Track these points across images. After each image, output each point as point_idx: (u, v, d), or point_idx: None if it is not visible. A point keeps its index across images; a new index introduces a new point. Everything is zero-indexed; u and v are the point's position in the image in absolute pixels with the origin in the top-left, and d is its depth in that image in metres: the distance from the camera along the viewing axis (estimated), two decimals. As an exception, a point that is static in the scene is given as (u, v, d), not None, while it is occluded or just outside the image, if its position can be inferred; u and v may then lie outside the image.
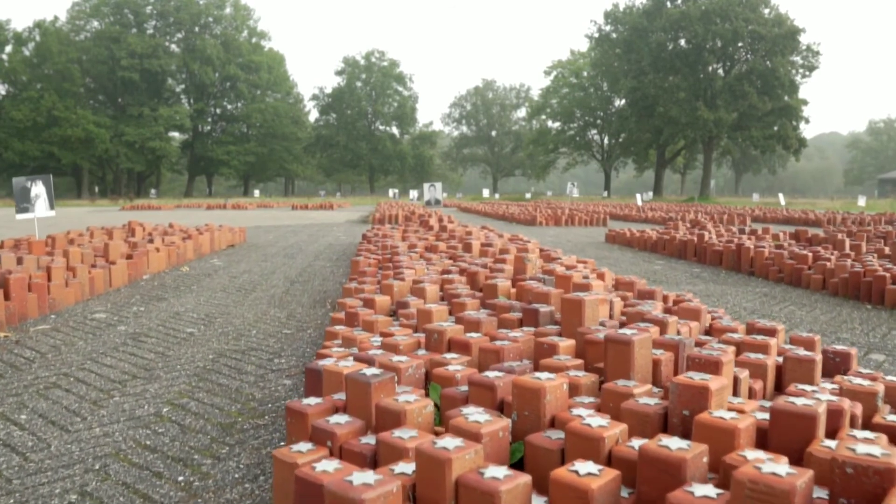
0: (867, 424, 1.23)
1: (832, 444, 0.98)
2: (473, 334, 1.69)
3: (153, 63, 43.44)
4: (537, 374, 1.22)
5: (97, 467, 1.43)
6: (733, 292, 4.18)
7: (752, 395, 1.43)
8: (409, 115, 52.35)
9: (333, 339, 2.09)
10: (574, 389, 1.33)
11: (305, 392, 1.58)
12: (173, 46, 46.39)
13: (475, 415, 1.10)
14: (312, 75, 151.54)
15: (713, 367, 1.32)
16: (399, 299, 2.45)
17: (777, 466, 0.80)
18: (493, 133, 58.81)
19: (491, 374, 1.33)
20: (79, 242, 4.56)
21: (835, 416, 1.12)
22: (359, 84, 51.57)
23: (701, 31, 35.55)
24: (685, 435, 1.10)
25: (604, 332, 1.65)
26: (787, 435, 1.03)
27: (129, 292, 3.92)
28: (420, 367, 1.46)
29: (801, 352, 1.55)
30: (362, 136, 50.11)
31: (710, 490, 0.83)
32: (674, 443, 0.93)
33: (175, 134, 47.29)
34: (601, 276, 2.96)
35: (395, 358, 1.46)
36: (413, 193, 18.48)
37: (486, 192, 31.65)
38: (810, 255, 4.52)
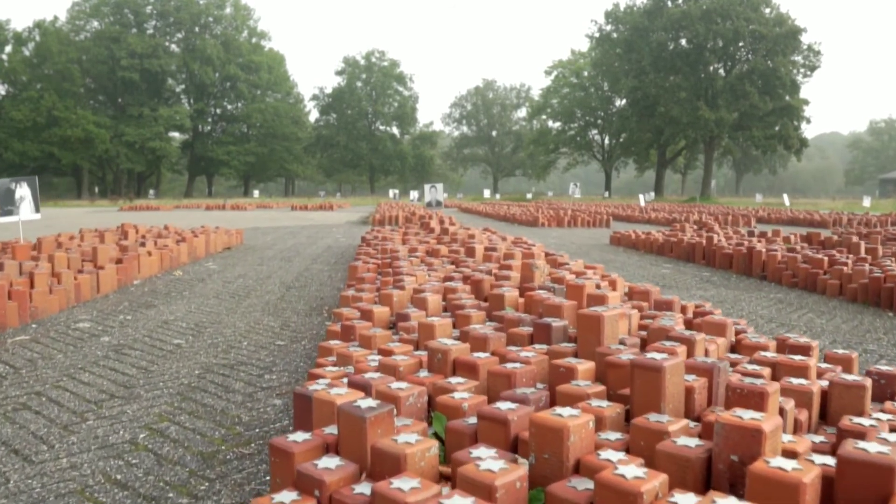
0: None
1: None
2: (480, 354, 1.53)
3: (153, 63, 43.31)
4: (558, 411, 1.05)
5: (58, 508, 1.27)
6: (747, 298, 4.02)
7: (796, 427, 1.27)
8: (409, 115, 52.18)
9: (327, 356, 1.93)
10: (597, 423, 1.17)
11: (294, 419, 1.42)
12: (173, 46, 46.26)
13: (488, 460, 0.94)
14: (313, 75, 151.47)
15: (757, 399, 1.16)
16: (399, 310, 2.29)
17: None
18: (494, 133, 58.65)
19: (503, 405, 1.17)
20: (67, 246, 4.40)
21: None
22: (359, 84, 51.42)
23: (702, 30, 35.39)
24: (734, 484, 0.94)
25: (626, 353, 1.49)
26: (858, 490, 0.87)
27: (118, 299, 3.76)
28: (422, 395, 1.30)
29: (848, 376, 1.39)
30: (362, 136, 49.96)
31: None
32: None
33: (175, 134, 47.17)
34: (613, 284, 2.80)
35: (395, 385, 1.30)
36: (413, 194, 18.31)
37: (486, 193, 31.49)
38: (826, 259, 4.36)
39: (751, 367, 1.51)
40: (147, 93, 44.54)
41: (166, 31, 46.25)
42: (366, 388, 1.35)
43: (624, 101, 41.98)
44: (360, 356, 1.78)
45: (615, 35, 40.27)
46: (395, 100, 52.04)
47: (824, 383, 1.43)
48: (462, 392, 1.33)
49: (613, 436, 1.13)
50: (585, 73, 46.18)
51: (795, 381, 1.37)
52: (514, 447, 1.12)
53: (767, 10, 36.14)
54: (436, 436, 1.28)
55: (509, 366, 1.41)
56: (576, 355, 1.62)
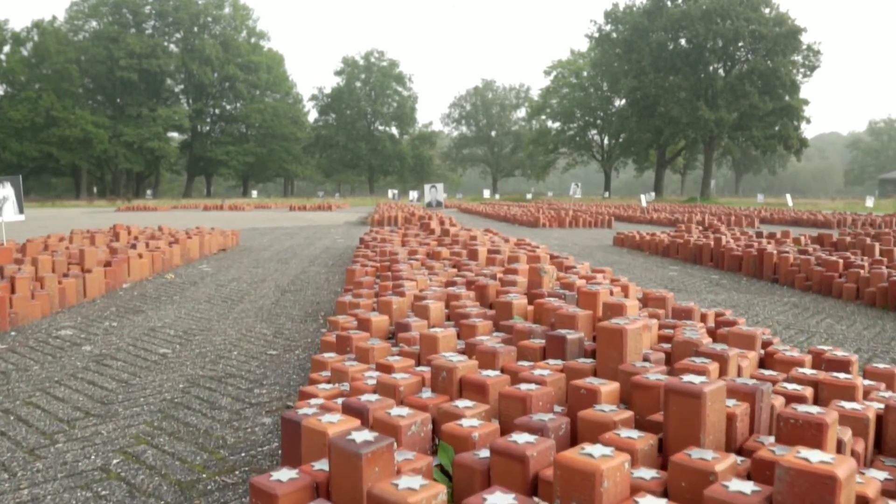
0: None
1: None
2: (490, 373, 1.37)
3: (152, 63, 43.14)
4: (588, 450, 0.90)
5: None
6: (760, 302, 3.87)
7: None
8: (408, 115, 52.02)
9: (321, 370, 1.77)
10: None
11: (282, 447, 1.26)
12: (172, 46, 46.09)
13: (506, 512, 0.79)
14: (312, 75, 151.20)
15: (815, 431, 1.00)
16: (398, 319, 2.13)
17: None
18: (493, 133, 58.51)
19: (520, 438, 1.01)
20: (54, 249, 4.24)
21: None
22: (358, 84, 51.26)
23: (702, 30, 35.30)
24: (801, 541, 0.78)
25: (654, 372, 1.34)
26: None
27: (105, 304, 3.60)
28: (426, 423, 1.14)
29: (905, 398, 1.23)
30: (362, 136, 49.80)
31: None
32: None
33: (174, 134, 46.98)
34: (625, 290, 2.64)
35: (395, 411, 1.15)
36: (413, 194, 18.16)
37: (486, 193, 31.35)
38: (840, 261, 4.21)
39: (791, 387, 1.36)
40: (146, 93, 44.37)
41: (165, 31, 46.08)
42: (362, 414, 1.20)
43: (623, 101, 41.86)
44: (357, 372, 1.62)
45: (615, 35, 40.16)
46: (394, 100, 51.87)
47: (876, 405, 1.28)
48: (471, 419, 1.17)
49: (648, 474, 0.98)
50: (585, 74, 46.06)
51: (847, 405, 1.22)
52: (533, 487, 0.97)
53: (767, 10, 36.05)
54: (440, 468, 1.13)
55: (523, 387, 1.26)
56: (594, 373, 1.47)
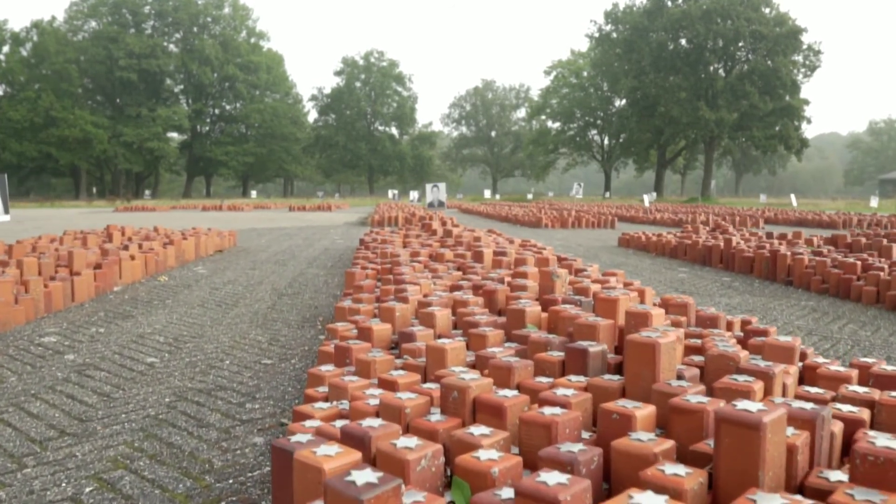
0: None
1: None
2: (507, 393, 1.22)
3: (151, 63, 43.03)
4: (637, 498, 0.75)
5: None
6: (776, 306, 3.72)
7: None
8: (408, 115, 51.90)
9: (318, 385, 1.62)
10: (676, 496, 0.86)
11: (272, 480, 1.11)
12: (172, 46, 45.97)
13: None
14: (311, 76, 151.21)
15: (900, 470, 0.85)
16: (402, 328, 1.98)
17: None
18: (493, 133, 58.39)
19: (549, 478, 0.86)
20: (42, 250, 4.09)
21: None
22: (358, 84, 51.14)
23: (702, 30, 35.20)
24: None
25: (693, 393, 1.18)
26: None
27: (94, 308, 3.45)
28: (437, 456, 0.99)
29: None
30: (361, 136, 49.66)
31: None
32: None
33: (173, 134, 46.87)
34: (641, 295, 2.49)
35: (402, 442, 0.99)
36: (413, 194, 18.01)
37: (487, 193, 31.23)
38: (858, 263, 4.06)
39: (845, 409, 1.21)
40: (145, 93, 44.25)
41: (164, 31, 45.97)
42: (363, 443, 1.05)
43: (623, 101, 41.77)
44: (357, 389, 1.47)
45: (615, 35, 40.06)
46: (393, 100, 51.75)
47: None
48: (489, 449, 1.02)
49: (702, 521, 0.83)
50: (585, 74, 45.96)
51: (919, 432, 1.07)
52: (566, 538, 0.82)
53: (768, 10, 35.95)
54: (455, 507, 0.98)
55: (547, 412, 1.11)
56: (623, 393, 1.31)
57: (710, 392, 1.25)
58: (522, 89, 59.47)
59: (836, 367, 1.52)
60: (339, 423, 1.23)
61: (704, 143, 37.76)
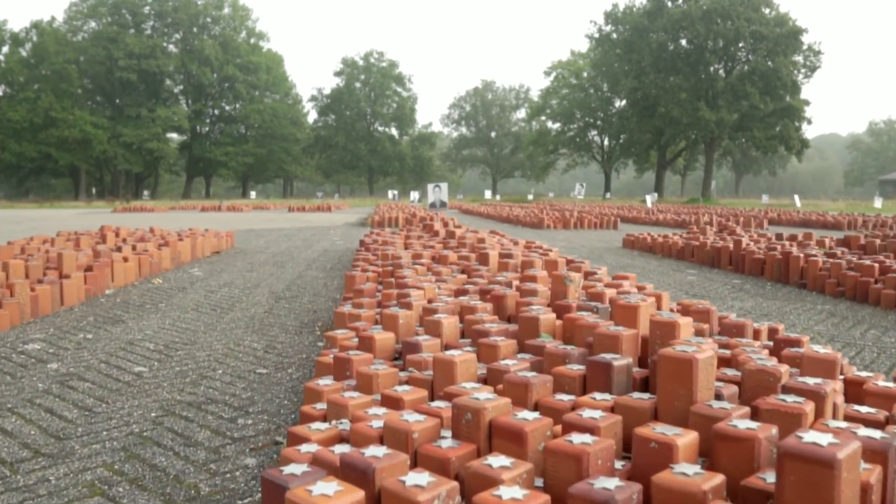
0: None
1: None
2: (527, 415, 1.09)
3: (151, 64, 42.91)
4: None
5: None
6: (792, 310, 3.58)
7: None
8: (408, 115, 51.78)
9: (316, 401, 1.48)
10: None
11: (262, 516, 0.98)
12: (171, 47, 45.86)
13: None
14: (311, 76, 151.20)
15: None
16: (406, 337, 1.84)
17: None
18: (493, 134, 58.27)
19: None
20: (31, 252, 3.96)
21: None
22: (358, 85, 51.02)
23: (702, 30, 35.12)
24: None
25: (738, 417, 1.05)
26: None
27: (83, 313, 3.31)
28: (453, 495, 0.86)
29: None
30: (361, 137, 49.53)
31: None
32: None
33: (173, 135, 46.75)
34: (658, 299, 2.36)
35: (411, 479, 0.86)
36: (414, 195, 17.87)
37: (487, 194, 31.12)
38: (876, 265, 3.93)
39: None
40: (145, 93, 44.13)
41: (164, 32, 45.86)
42: (366, 478, 0.91)
43: (624, 101, 41.67)
44: (359, 407, 1.33)
45: (615, 35, 39.96)
46: (393, 101, 51.64)
47: None
48: (511, 486, 0.88)
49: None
50: (585, 74, 45.86)
51: None
52: None
53: (768, 11, 35.87)
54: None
55: (576, 440, 0.97)
56: (655, 414, 1.18)
57: (755, 414, 1.11)
58: (522, 90, 59.39)
59: (885, 383, 1.38)
60: (339, 449, 1.09)
61: (705, 144, 37.68)
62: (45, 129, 38.48)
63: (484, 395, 1.14)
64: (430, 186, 9.18)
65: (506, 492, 0.86)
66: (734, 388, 1.26)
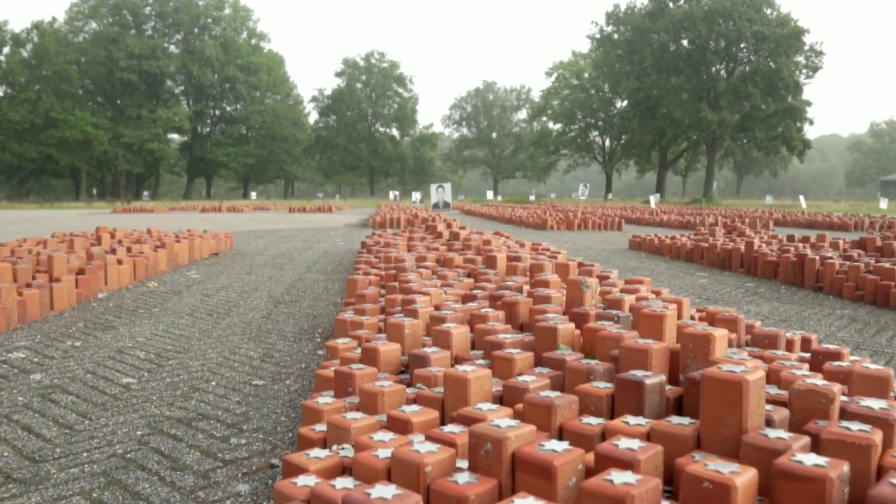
0: None
1: None
2: (556, 447, 0.95)
3: (152, 64, 42.87)
4: None
5: None
6: (811, 315, 3.44)
7: None
8: (409, 116, 51.69)
9: (315, 422, 1.35)
10: None
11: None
12: (172, 48, 45.82)
13: None
14: (312, 77, 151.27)
15: None
16: (412, 349, 1.71)
17: None
18: (494, 135, 58.16)
19: None
20: (20, 254, 3.83)
21: None
22: (359, 85, 50.94)
23: (704, 31, 35.02)
24: None
25: (798, 450, 0.92)
26: None
27: (73, 318, 3.18)
28: (475, 552, 0.72)
29: None
30: (362, 137, 49.44)
31: None
32: None
33: (174, 136, 46.71)
34: (679, 306, 2.22)
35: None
36: (416, 195, 17.74)
37: (489, 195, 31.01)
38: (896, 269, 3.78)
39: None
40: (146, 94, 44.09)
41: (165, 33, 45.82)
42: (372, 526, 0.78)
43: (625, 102, 41.55)
44: (363, 431, 1.20)
45: (616, 36, 39.85)
46: (394, 101, 51.55)
47: None
48: (544, 537, 0.75)
49: None
50: (586, 75, 45.75)
51: None
52: None
53: (769, 11, 35.75)
54: None
55: (616, 479, 0.83)
56: (698, 442, 1.04)
57: (816, 444, 0.98)
58: (523, 91, 59.27)
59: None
60: (341, 483, 0.96)
61: (706, 145, 37.55)
62: (46, 129, 38.43)
63: (505, 422, 1.01)
64: (433, 187, 9.05)
65: (539, 547, 0.73)
66: (785, 412, 1.13)
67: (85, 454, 1.51)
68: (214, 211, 21.12)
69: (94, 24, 44.31)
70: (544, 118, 48.98)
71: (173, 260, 5.10)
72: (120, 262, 4.09)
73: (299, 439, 1.29)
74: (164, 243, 5.09)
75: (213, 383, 2.09)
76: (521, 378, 1.37)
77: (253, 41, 48.78)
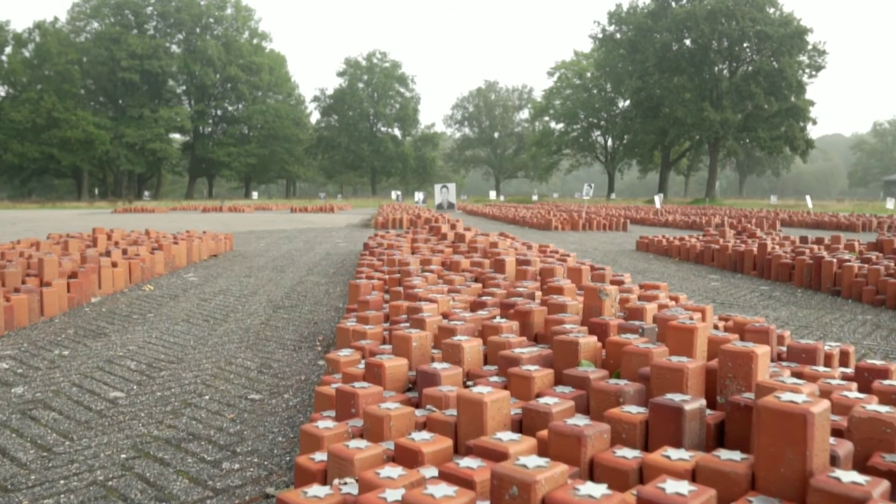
0: None
1: None
2: (591, 491, 0.82)
3: (154, 64, 42.86)
4: None
5: None
6: (832, 321, 3.30)
7: None
8: (411, 116, 51.59)
9: (314, 451, 1.22)
10: None
11: None
12: (174, 47, 45.81)
13: None
14: (314, 76, 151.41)
15: None
16: (420, 364, 1.58)
17: None
18: (496, 135, 58.02)
19: None
20: (10, 257, 3.71)
21: None
22: (360, 85, 50.85)
23: (707, 30, 34.86)
24: None
25: (881, 498, 0.78)
26: None
27: (64, 324, 3.05)
28: None
29: None
30: (364, 137, 49.35)
31: None
32: None
33: (176, 135, 46.69)
34: (702, 314, 2.09)
35: None
36: (418, 195, 17.60)
37: (492, 195, 30.87)
38: (919, 272, 3.64)
39: None
40: (147, 94, 44.08)
41: (167, 32, 45.80)
42: None
43: (627, 102, 41.41)
44: (367, 463, 1.07)
45: (618, 36, 39.70)
46: (396, 101, 51.47)
47: None
48: None
49: None
50: (589, 75, 45.62)
51: None
52: None
53: (772, 11, 35.56)
54: None
55: (671, 539, 0.70)
56: (752, 483, 0.91)
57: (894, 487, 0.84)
58: (525, 90, 59.12)
59: None
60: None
61: (709, 145, 37.38)
62: (48, 129, 38.43)
63: (532, 461, 0.87)
64: (437, 187, 8.92)
65: None
66: (849, 446, 0.99)
67: (62, 482, 1.38)
68: (215, 211, 21.02)
69: (95, 24, 44.32)
70: (546, 118, 48.85)
71: (171, 262, 4.98)
72: (115, 264, 3.97)
73: (297, 470, 1.16)
74: (161, 245, 4.97)
75: (207, 397, 1.96)
76: (542, 400, 1.24)
77: (255, 41, 48.73)
